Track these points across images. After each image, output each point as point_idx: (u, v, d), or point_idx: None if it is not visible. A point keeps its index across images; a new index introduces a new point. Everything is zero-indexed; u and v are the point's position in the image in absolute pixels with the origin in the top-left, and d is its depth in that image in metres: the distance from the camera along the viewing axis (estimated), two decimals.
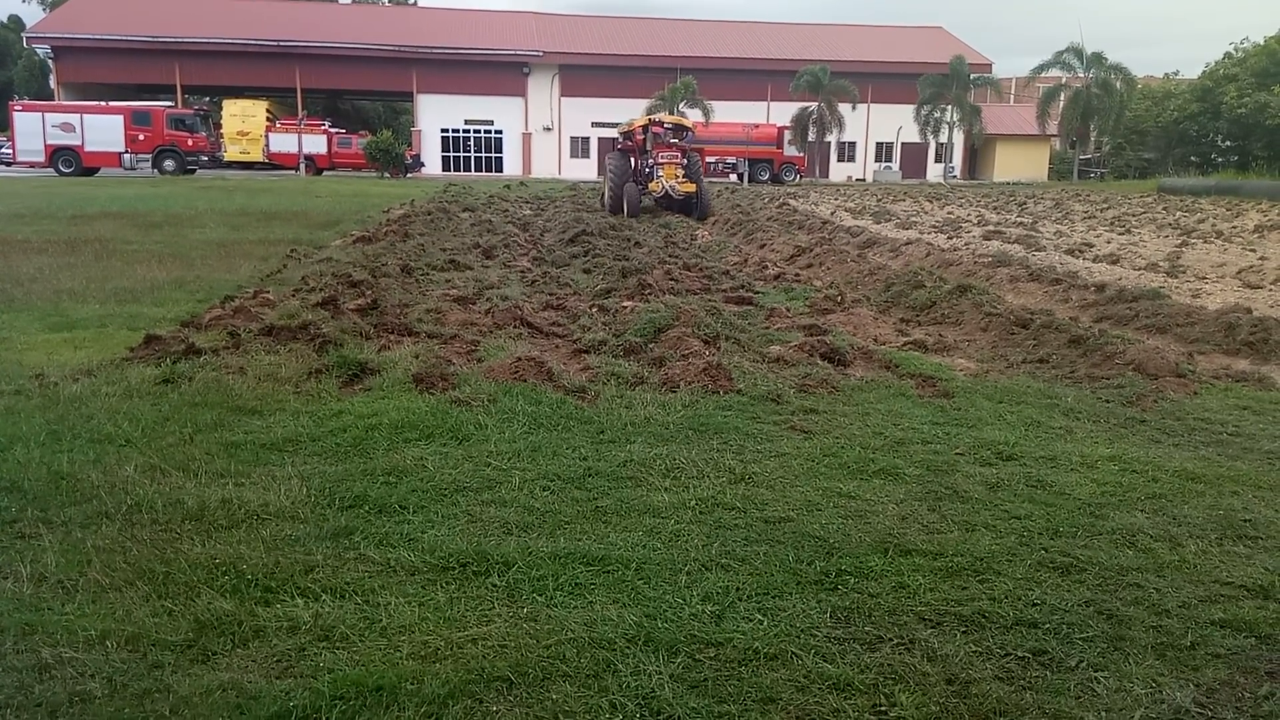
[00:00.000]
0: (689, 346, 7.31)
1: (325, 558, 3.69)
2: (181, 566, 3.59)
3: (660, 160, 23.43)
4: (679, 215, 23.23)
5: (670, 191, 23.03)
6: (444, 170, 57.55)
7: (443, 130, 59.13)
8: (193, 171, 43.25)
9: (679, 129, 25.65)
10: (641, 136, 25.39)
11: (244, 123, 49.76)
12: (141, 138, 42.91)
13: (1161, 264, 13.85)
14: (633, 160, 25.14)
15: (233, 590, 3.43)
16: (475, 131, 59.74)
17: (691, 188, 23.13)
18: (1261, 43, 57.97)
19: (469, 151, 59.94)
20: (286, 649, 3.07)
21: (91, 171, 42.21)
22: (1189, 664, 3.13)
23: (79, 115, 42.94)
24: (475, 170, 58.60)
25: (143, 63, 54.64)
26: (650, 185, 23.39)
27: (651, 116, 25.65)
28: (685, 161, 23.74)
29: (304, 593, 3.42)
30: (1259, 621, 3.39)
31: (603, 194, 25.64)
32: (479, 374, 6.44)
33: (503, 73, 58.48)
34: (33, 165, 42.32)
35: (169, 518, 4.03)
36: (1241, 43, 60.82)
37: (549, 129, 59.99)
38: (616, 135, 28.66)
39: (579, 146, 60.59)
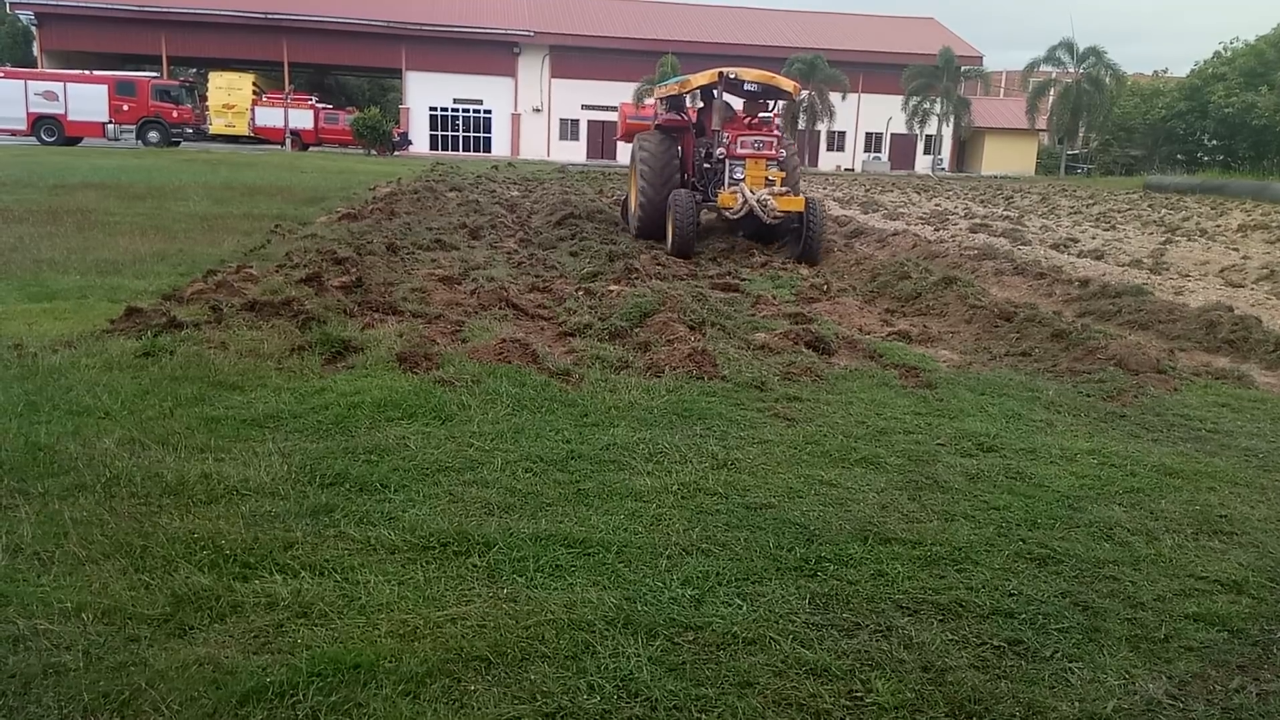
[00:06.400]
0: (674, 332, 7.30)
1: (305, 535, 3.68)
2: (160, 540, 3.56)
3: (741, 152, 13.12)
4: (764, 247, 13.85)
5: (759, 209, 12.46)
6: (432, 149, 57.19)
7: (431, 109, 58.73)
8: (177, 144, 42.80)
9: (771, 93, 14.31)
10: (700, 105, 14.87)
11: (230, 96, 49.26)
12: (126, 108, 42.42)
13: (1145, 261, 13.93)
14: (682, 147, 14.60)
15: (211, 565, 3.41)
16: (464, 111, 59.37)
17: (797, 204, 12.73)
18: (1251, 42, 58.25)
19: (457, 131, 59.58)
20: (264, 625, 3.06)
21: (74, 141, 41.72)
22: (1162, 656, 3.16)
23: (62, 84, 42.40)
24: (463, 150, 58.26)
25: (128, 32, 53.99)
26: (722, 198, 12.76)
27: (723, 70, 13.77)
28: (783, 155, 13.61)
29: (283, 569, 3.40)
30: (1231, 616, 3.43)
31: (624, 202, 16.91)
32: (463, 354, 6.42)
33: (493, 52, 58.08)
34: (14, 133, 41.75)
35: (148, 491, 4.00)
36: (1231, 42, 61.11)
37: (538, 110, 59.68)
38: (655, 102, 16.69)
39: (568, 129, 60.32)
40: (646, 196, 14.00)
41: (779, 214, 12.57)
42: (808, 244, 12.88)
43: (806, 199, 13.08)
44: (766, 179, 12.98)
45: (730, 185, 12.98)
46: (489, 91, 58.90)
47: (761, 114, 14.42)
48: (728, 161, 13.24)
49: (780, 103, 14.83)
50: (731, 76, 13.73)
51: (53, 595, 3.15)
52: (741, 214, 12.65)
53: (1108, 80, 56.22)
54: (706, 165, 13.91)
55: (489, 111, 59.57)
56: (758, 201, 12.48)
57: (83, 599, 3.13)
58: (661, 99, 15.71)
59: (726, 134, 13.40)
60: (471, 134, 59.79)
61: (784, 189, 13.00)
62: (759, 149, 13.19)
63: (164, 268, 9.69)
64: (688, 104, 15.12)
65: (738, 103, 14.79)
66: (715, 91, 13.85)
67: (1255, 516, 4.38)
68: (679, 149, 14.52)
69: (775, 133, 13.73)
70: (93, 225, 12.71)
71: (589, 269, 11.01)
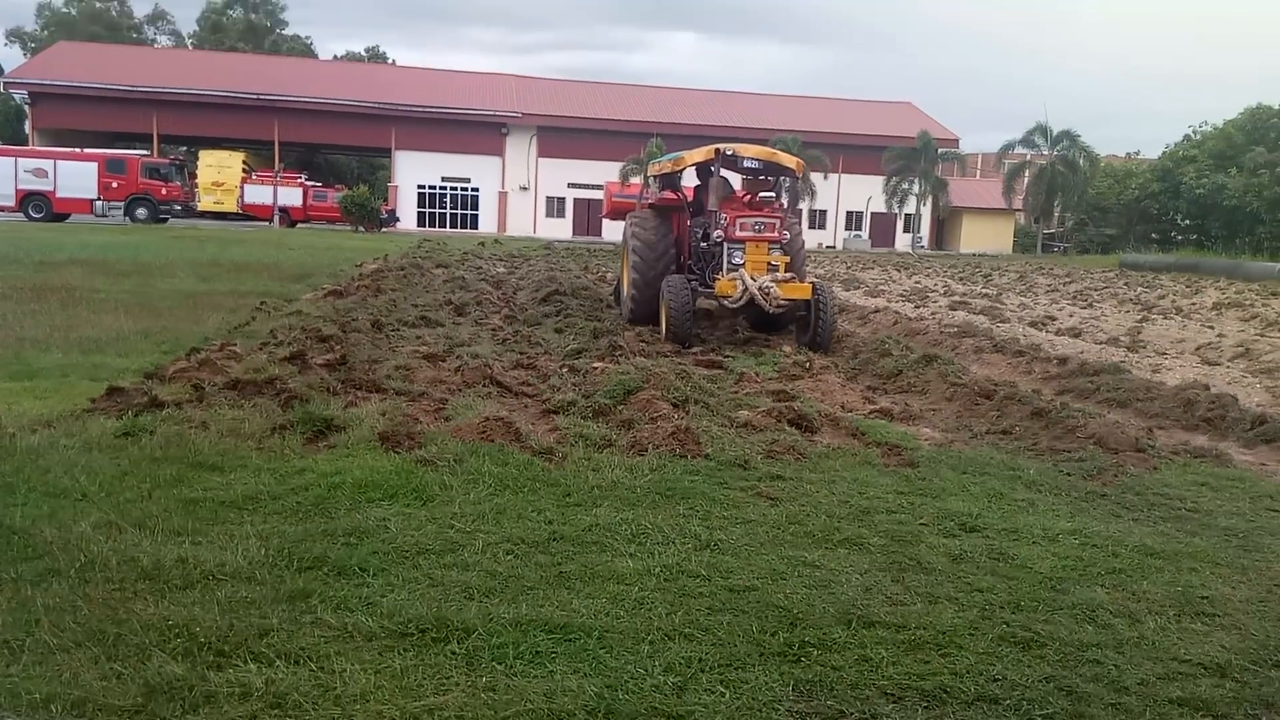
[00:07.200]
0: (658, 410, 7.32)
1: (281, 621, 3.62)
2: (133, 628, 3.50)
3: (741, 234, 12.20)
4: (766, 335, 12.99)
5: (761, 298, 11.56)
6: (419, 226, 57.76)
7: (419, 186, 59.54)
8: (165, 220, 43.10)
9: (772, 171, 13.39)
10: (696, 184, 14.18)
11: (219, 173, 49.82)
12: (115, 185, 42.82)
13: (1122, 339, 14.13)
14: (676, 225, 13.76)
15: (185, 653, 3.35)
16: (452, 189, 60.20)
17: (803, 291, 11.91)
18: (1219, 126, 60.08)
19: (445, 208, 60.31)
20: (237, 716, 2.99)
21: (62, 218, 41.98)
22: None
23: (52, 161, 42.85)
24: (450, 227, 58.86)
25: (121, 111, 54.76)
26: (720, 285, 11.84)
27: (720, 146, 12.77)
28: (786, 237, 12.61)
29: (258, 658, 3.34)
30: (1215, 700, 3.41)
31: (616, 286, 15.97)
32: (446, 433, 6.41)
33: (481, 132, 59.15)
34: (2, 210, 41.98)
35: (123, 576, 3.94)
36: (1200, 125, 63.04)
37: (525, 188, 60.57)
38: (646, 180, 16.28)
39: (554, 206, 61.19)
40: (640, 278, 13.07)
41: (783, 302, 11.62)
42: (817, 333, 11.87)
43: (814, 284, 12.09)
44: (769, 264, 12.06)
45: (729, 271, 11.99)
46: (476, 170, 59.84)
47: (763, 193, 13.52)
48: (726, 244, 12.22)
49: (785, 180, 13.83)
50: (729, 153, 12.63)
51: (21, 685, 3.08)
52: (742, 303, 11.74)
53: (1081, 162, 57.71)
54: (704, 245, 12.87)
55: (476, 189, 60.42)
56: (760, 289, 11.49)
57: (52, 689, 3.07)
58: (654, 176, 14.89)
59: (725, 215, 12.37)
60: (459, 211, 60.53)
61: (788, 274, 12.15)
62: (760, 231, 12.18)
63: (147, 345, 9.69)
64: (683, 182, 14.41)
65: (736, 181, 14.05)
66: (712, 169, 12.85)
67: (1236, 597, 4.38)
68: (673, 228, 13.61)
69: (778, 213, 12.68)
70: (77, 302, 12.72)
71: (573, 346, 11.07)
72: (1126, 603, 4.26)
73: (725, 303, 11.95)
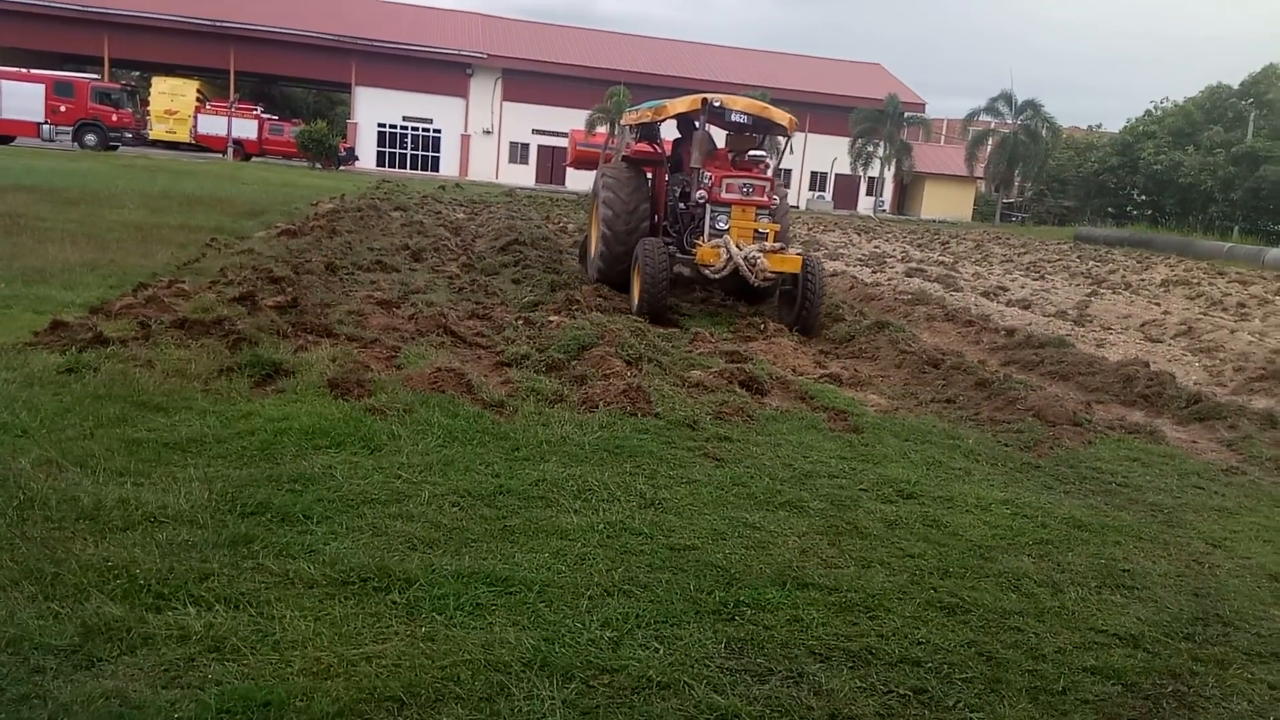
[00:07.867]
0: (611, 366, 7.37)
1: (222, 566, 3.64)
2: (72, 568, 3.50)
3: (727, 196, 10.86)
4: (749, 305, 12.02)
5: (746, 269, 10.37)
6: (378, 165, 56.73)
7: (379, 125, 58.30)
8: (115, 148, 41.86)
9: (762, 127, 11.95)
10: (676, 137, 12.90)
11: (173, 101, 48.39)
12: (63, 109, 41.42)
13: (1070, 312, 14.41)
14: (652, 180, 12.84)
15: (124, 595, 3.36)
16: (413, 129, 59.05)
17: (792, 264, 10.66)
18: (1180, 104, 60.80)
19: (405, 148, 59.21)
20: (175, 658, 3.02)
21: (6, 140, 40.57)
22: (1059, 708, 3.29)
23: None
24: (411, 168, 57.87)
25: (70, 32, 52.67)
26: (701, 252, 10.61)
27: (708, 96, 11.50)
28: (775, 202, 11.41)
29: (197, 601, 3.36)
30: (1127, 670, 3.57)
31: (583, 242, 14.82)
32: (397, 382, 6.40)
33: (445, 71, 57.94)
34: None
35: (62, 515, 3.92)
36: (1161, 102, 63.71)
37: (489, 132, 59.62)
38: (619, 128, 14.63)
39: (518, 152, 60.36)
40: (612, 235, 11.88)
41: (770, 275, 10.46)
42: (803, 312, 10.71)
43: (803, 258, 10.80)
44: (756, 231, 10.78)
45: (712, 237, 10.75)
46: (439, 111, 58.71)
47: (751, 151, 11.94)
48: (709, 207, 10.88)
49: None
50: (717, 105, 11.32)
51: None
52: (725, 273, 10.53)
53: (1044, 132, 58.16)
54: (682, 207, 11.68)
55: (438, 131, 59.34)
56: (745, 259, 10.31)
57: None
58: (630, 125, 13.60)
59: (709, 173, 11.04)
60: (420, 152, 59.45)
61: (777, 244, 10.90)
62: (748, 194, 10.83)
63: (93, 279, 9.48)
64: (662, 134, 13.16)
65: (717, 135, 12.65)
66: (696, 122, 11.54)
67: (1156, 571, 4.57)
68: (649, 184, 12.49)
69: (768, 175, 11.37)
70: (21, 231, 12.37)
71: (530, 298, 11.03)
72: (1051, 573, 4.42)
73: (706, 271, 10.68)
